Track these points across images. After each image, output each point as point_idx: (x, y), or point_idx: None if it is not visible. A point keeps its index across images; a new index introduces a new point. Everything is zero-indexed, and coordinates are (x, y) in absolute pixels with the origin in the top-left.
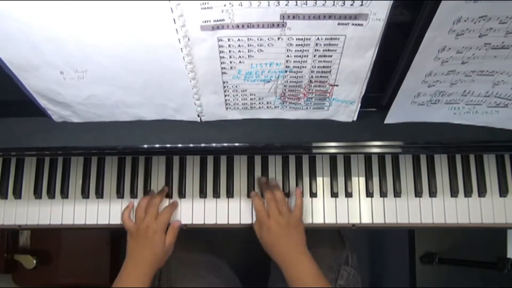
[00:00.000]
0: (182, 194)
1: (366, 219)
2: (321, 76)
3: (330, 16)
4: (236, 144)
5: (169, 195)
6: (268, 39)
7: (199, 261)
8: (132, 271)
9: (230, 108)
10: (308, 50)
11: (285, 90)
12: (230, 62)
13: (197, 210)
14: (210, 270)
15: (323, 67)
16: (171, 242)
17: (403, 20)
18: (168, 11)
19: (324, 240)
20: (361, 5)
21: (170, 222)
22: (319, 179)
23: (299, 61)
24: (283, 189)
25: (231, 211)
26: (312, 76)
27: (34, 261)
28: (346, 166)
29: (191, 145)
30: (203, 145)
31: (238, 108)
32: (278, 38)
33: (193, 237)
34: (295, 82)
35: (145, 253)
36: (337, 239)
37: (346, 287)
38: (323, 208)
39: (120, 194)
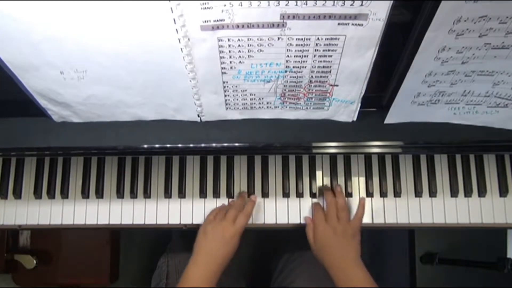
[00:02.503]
0: (182, 194)
1: (366, 219)
2: (321, 76)
3: (330, 16)
4: (236, 144)
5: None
6: (268, 39)
7: None
8: (204, 270)
9: (230, 108)
10: (308, 50)
11: (285, 90)
12: (230, 62)
13: (197, 210)
14: None
15: (323, 67)
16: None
17: (403, 20)
18: (168, 11)
19: None
20: (361, 5)
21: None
22: (319, 179)
23: (299, 61)
24: (283, 189)
25: None
26: (312, 76)
27: (34, 261)
28: (346, 166)
29: (191, 145)
30: (203, 145)
31: (238, 108)
32: (278, 38)
33: None
34: (295, 82)
35: (222, 253)
36: None
37: None
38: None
39: (120, 194)
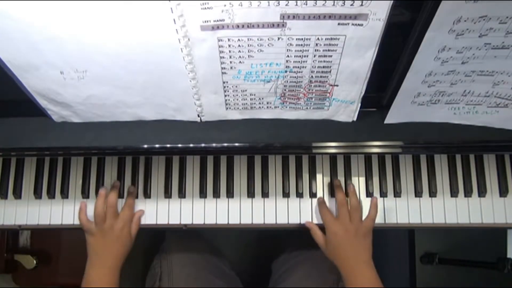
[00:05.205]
0: (182, 194)
1: None
2: (321, 76)
3: (330, 16)
4: (236, 144)
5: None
6: (268, 39)
7: (200, 262)
8: (102, 268)
9: (230, 108)
10: (308, 50)
11: (285, 90)
12: (230, 62)
13: (197, 210)
14: (211, 271)
15: (323, 67)
16: (135, 232)
17: (403, 20)
18: (168, 11)
19: None
20: (361, 5)
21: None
22: (319, 179)
23: (299, 61)
24: (283, 189)
25: (231, 211)
26: (312, 76)
27: (34, 261)
28: (346, 166)
29: (191, 145)
30: (203, 145)
31: (238, 108)
32: (278, 38)
33: (194, 237)
34: (295, 82)
35: (114, 248)
36: None
37: None
38: None
39: (120, 194)
